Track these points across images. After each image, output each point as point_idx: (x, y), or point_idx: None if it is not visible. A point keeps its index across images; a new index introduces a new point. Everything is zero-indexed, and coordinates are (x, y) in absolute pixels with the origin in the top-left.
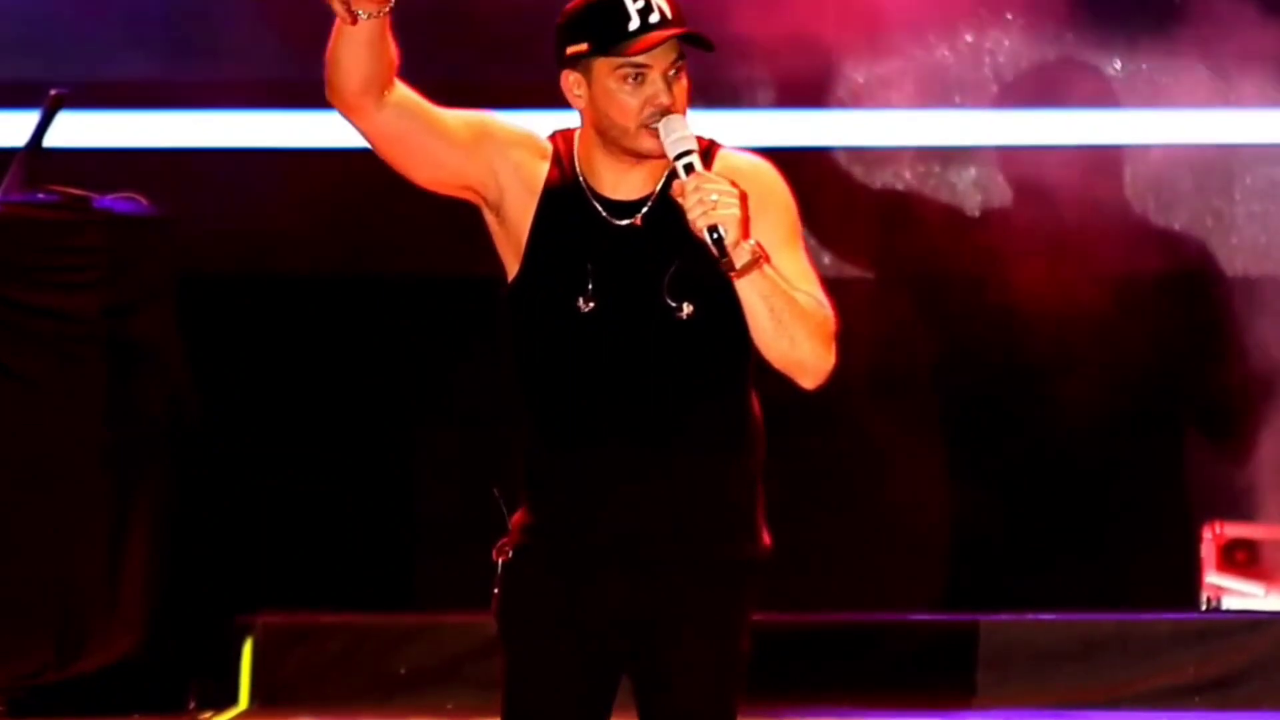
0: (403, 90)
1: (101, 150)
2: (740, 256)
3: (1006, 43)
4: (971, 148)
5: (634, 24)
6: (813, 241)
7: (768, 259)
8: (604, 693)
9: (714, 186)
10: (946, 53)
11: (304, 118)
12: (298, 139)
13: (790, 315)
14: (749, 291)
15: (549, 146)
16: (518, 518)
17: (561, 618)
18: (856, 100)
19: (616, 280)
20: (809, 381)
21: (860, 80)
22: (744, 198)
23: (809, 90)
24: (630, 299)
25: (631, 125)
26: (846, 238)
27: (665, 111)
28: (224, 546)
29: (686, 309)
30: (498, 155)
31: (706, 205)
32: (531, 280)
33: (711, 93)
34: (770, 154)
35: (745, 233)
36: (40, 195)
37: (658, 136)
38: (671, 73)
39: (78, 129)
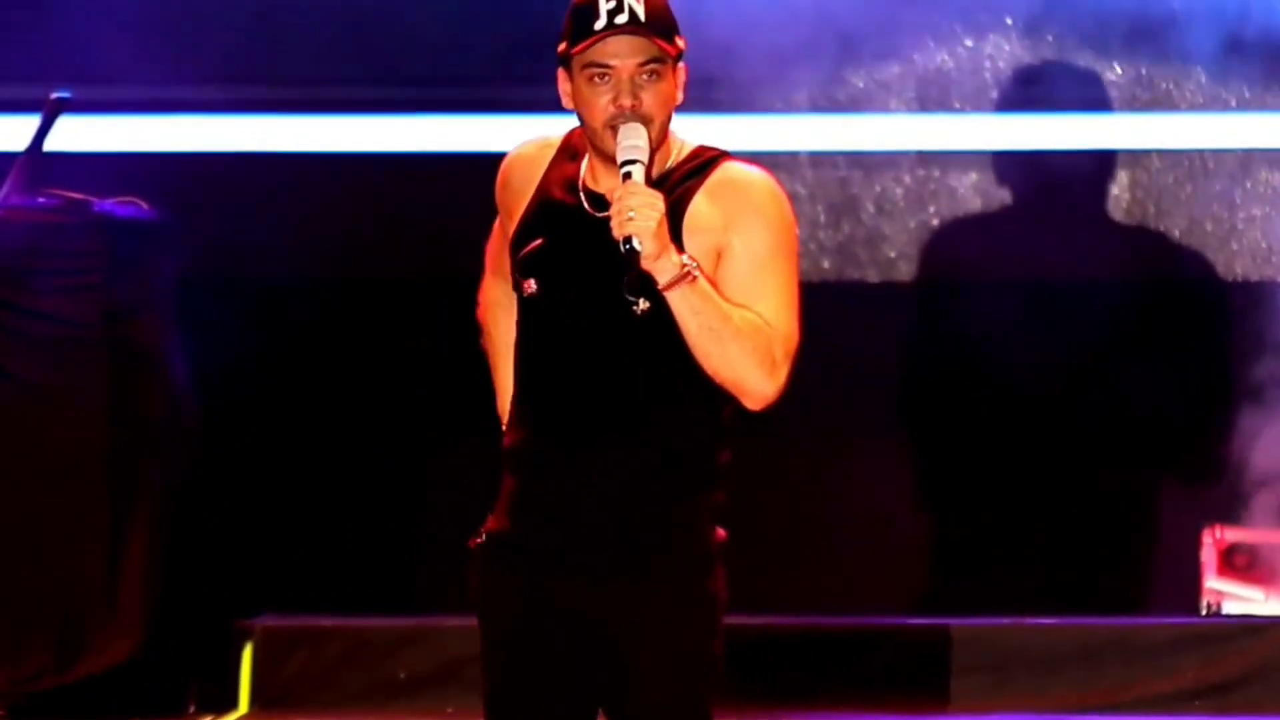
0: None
1: (101, 154)
2: (664, 270)
3: (1006, 47)
4: (971, 152)
5: (600, 23)
6: (810, 246)
7: (701, 274)
8: (575, 688)
9: (637, 200)
10: (946, 57)
11: (306, 121)
12: (299, 143)
13: (726, 333)
14: (678, 305)
15: (550, 151)
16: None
17: (521, 612)
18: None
19: (574, 267)
20: (751, 402)
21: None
22: (665, 214)
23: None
24: (581, 287)
25: (598, 125)
26: (843, 240)
27: (627, 114)
28: (224, 549)
29: (643, 305)
30: (503, 211)
31: (622, 217)
32: (512, 260)
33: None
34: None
35: (664, 247)
36: (40, 199)
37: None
38: (642, 76)
39: (78, 133)
